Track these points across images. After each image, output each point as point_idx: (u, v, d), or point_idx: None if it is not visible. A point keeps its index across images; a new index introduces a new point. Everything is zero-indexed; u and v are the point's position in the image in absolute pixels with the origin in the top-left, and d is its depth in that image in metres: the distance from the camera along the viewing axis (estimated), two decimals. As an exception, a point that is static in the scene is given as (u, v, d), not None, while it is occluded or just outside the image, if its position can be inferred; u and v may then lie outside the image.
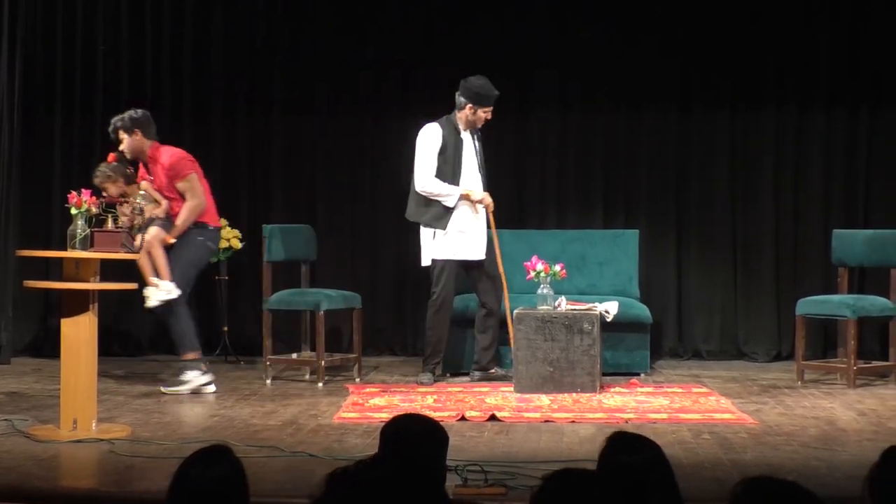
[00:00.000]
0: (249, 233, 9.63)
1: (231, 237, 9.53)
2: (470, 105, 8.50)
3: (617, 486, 3.22)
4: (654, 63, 9.92)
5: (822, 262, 9.66)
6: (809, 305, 8.66)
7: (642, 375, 8.80)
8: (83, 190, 6.59)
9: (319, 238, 9.29)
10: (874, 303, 8.60)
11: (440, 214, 8.48)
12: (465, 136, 8.58)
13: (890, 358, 8.61)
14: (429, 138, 8.52)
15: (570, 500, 2.83)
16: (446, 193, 8.44)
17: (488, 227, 8.60)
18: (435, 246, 8.50)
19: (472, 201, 8.48)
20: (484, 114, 8.52)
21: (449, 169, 8.48)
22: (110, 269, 7.16)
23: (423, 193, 8.50)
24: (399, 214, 10.00)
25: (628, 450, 3.32)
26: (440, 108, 9.89)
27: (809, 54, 9.83)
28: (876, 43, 9.76)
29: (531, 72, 9.98)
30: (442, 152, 8.49)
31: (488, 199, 8.52)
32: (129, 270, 7.86)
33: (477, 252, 8.51)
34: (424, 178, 8.48)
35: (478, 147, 8.64)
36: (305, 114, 10.09)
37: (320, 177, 10.10)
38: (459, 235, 8.48)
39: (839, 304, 8.54)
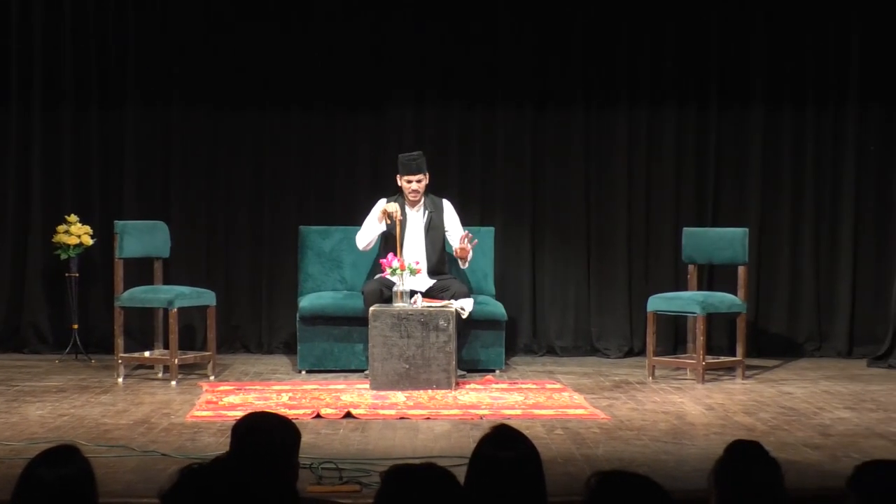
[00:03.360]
0: (101, 229, 9.45)
1: (82, 233, 9.34)
2: (398, 175, 8.82)
3: (482, 478, 3.26)
4: (508, 59, 9.99)
5: (672, 259, 9.85)
6: (660, 302, 8.82)
7: (497, 372, 8.87)
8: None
9: (173, 235, 9.15)
10: (723, 299, 8.79)
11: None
12: (412, 213, 8.82)
13: (737, 353, 8.81)
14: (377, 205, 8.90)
15: (408, 496, 2.85)
16: (367, 227, 8.83)
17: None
18: None
19: (388, 213, 8.72)
20: (408, 182, 8.77)
21: (392, 240, 8.71)
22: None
23: (362, 249, 8.92)
24: (255, 209, 9.96)
25: (502, 445, 3.34)
26: (295, 101, 9.88)
27: (659, 53, 10.01)
28: (724, 42, 9.98)
29: (384, 66, 9.97)
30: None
31: (389, 209, 8.72)
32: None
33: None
34: (357, 241, 8.92)
35: (427, 222, 8.83)
36: (160, 106, 9.93)
37: (174, 172, 9.95)
38: None
39: (689, 300, 8.71)
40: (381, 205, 8.83)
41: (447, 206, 8.95)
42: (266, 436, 3.52)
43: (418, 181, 8.77)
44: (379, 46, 9.95)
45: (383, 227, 8.79)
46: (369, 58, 9.94)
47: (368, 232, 8.82)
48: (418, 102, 10.02)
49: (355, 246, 9.03)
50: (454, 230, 8.85)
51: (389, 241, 8.76)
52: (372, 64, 9.94)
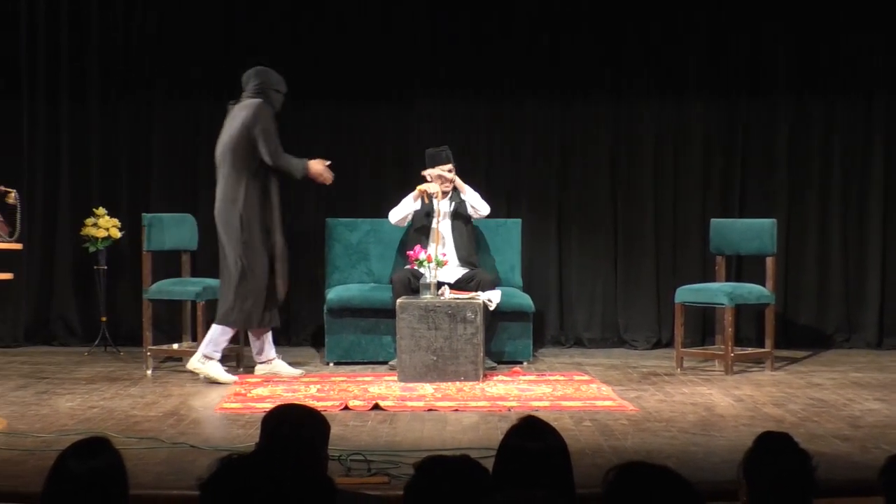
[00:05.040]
0: (129, 222, 9.49)
1: (110, 226, 9.38)
2: (426, 169, 8.87)
3: (509, 469, 3.26)
4: (536, 52, 9.98)
5: (700, 250, 9.82)
6: (688, 293, 8.79)
7: (525, 364, 8.86)
8: (-44, 178, 6.43)
9: (201, 227, 9.18)
10: (751, 290, 8.76)
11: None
12: (440, 204, 8.81)
13: (766, 345, 8.78)
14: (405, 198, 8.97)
15: (441, 487, 2.85)
16: (402, 205, 8.90)
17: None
18: None
19: (427, 193, 8.82)
20: (438, 173, 8.76)
21: (423, 233, 8.78)
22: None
23: (394, 223, 9.05)
24: (282, 202, 9.95)
25: (530, 436, 3.34)
26: (320, 94, 9.85)
27: (684, 43, 9.97)
28: (751, 32, 9.93)
29: (411, 59, 9.97)
30: (419, 214, 8.88)
31: (431, 189, 8.80)
32: (4, 260, 7.69)
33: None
34: (390, 216, 9.00)
35: (453, 211, 8.84)
36: (186, 99, 9.96)
37: (201, 164, 9.95)
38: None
39: (717, 291, 8.68)
40: (410, 198, 8.86)
41: (469, 191, 8.96)
42: (296, 428, 3.52)
43: (449, 171, 8.79)
44: (405, 38, 9.95)
45: (418, 206, 8.81)
46: (396, 50, 9.94)
47: (402, 209, 8.90)
48: (445, 95, 10.01)
49: (383, 236, 9.10)
50: (471, 193, 8.91)
51: (421, 232, 8.75)
52: (398, 56, 9.94)
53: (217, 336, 8.09)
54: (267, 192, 8.13)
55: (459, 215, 8.89)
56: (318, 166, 8.33)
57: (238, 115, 8.13)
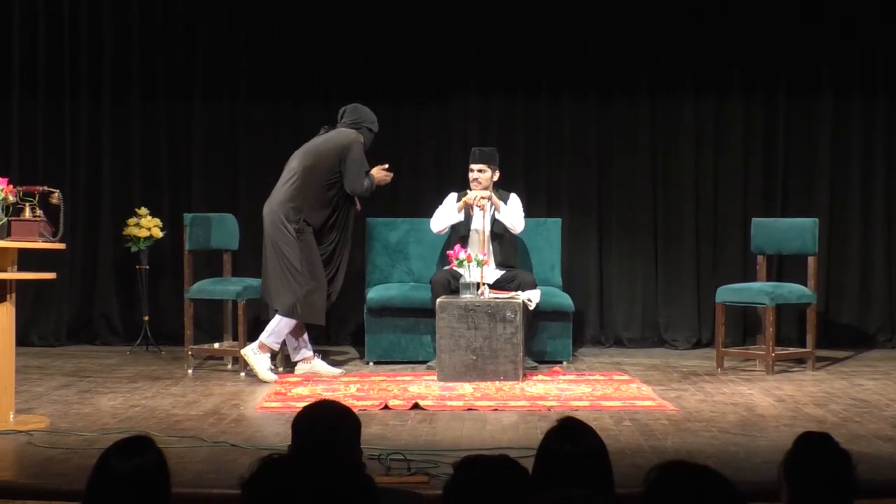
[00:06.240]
0: (170, 222, 9.55)
1: (152, 226, 9.45)
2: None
3: (548, 471, 3.26)
4: (574, 50, 9.96)
5: (741, 250, 9.78)
6: (729, 293, 8.76)
7: (565, 363, 8.85)
8: None
9: (242, 227, 9.22)
10: (792, 290, 8.72)
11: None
12: (482, 213, 8.75)
13: (807, 344, 8.74)
14: (448, 197, 8.94)
15: (480, 486, 2.86)
16: (442, 215, 8.83)
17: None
18: None
19: (470, 203, 8.73)
20: (469, 171, 8.77)
21: (465, 242, 8.73)
22: (28, 259, 7.07)
23: (435, 233, 8.92)
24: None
25: (569, 438, 3.34)
26: (360, 94, 9.86)
27: (726, 41, 9.93)
28: (791, 30, 9.88)
29: (450, 58, 9.98)
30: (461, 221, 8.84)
31: (481, 203, 8.72)
32: (47, 259, 7.76)
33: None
34: (431, 224, 8.89)
35: (493, 214, 8.73)
36: (227, 99, 10.01)
37: (242, 164, 10.03)
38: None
39: (758, 291, 8.64)
40: (452, 198, 8.85)
41: (513, 198, 8.91)
42: (326, 425, 3.52)
43: (480, 171, 8.73)
44: (444, 38, 9.96)
45: (462, 217, 8.78)
46: (433, 50, 9.95)
47: (443, 219, 8.84)
48: (483, 94, 10.01)
49: (423, 236, 9.10)
50: (507, 212, 8.76)
51: (464, 240, 8.73)
52: (436, 56, 9.95)
53: (281, 328, 8.22)
54: (337, 220, 8.40)
55: (497, 218, 8.85)
56: (379, 174, 8.51)
57: (333, 139, 8.39)
